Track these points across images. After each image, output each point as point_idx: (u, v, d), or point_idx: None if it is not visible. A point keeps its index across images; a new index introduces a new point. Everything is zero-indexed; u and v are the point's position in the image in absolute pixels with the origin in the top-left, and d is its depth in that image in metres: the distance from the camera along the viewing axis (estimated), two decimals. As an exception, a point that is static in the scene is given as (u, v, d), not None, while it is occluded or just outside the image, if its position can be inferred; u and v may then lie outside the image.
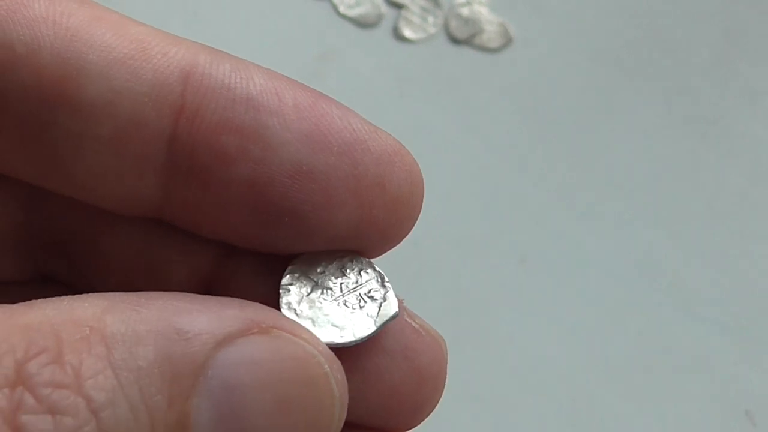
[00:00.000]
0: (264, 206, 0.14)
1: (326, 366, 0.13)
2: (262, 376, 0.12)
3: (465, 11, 0.41)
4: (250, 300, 0.13)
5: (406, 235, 0.16)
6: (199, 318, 0.12)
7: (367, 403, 0.15)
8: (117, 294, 0.12)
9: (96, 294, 0.12)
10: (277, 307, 0.15)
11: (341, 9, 0.41)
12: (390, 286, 0.16)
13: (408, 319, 0.17)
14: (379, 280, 0.16)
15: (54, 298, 0.12)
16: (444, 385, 0.17)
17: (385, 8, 0.41)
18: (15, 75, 0.14)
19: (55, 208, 0.16)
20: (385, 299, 0.16)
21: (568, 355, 0.35)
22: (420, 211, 0.15)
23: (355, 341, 0.15)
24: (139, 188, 0.15)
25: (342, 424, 0.13)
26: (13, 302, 0.13)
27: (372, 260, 0.16)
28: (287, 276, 0.15)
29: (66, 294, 0.13)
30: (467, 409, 0.35)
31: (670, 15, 0.40)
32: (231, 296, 0.13)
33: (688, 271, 0.36)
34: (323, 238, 0.15)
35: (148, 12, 0.39)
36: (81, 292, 0.13)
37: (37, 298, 0.13)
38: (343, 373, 0.13)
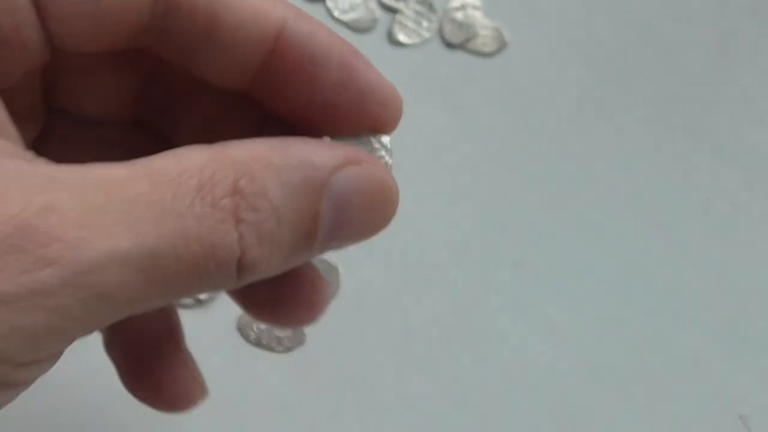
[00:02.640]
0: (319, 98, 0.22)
1: (393, 184, 0.22)
2: (362, 187, 0.21)
3: (459, 16, 0.41)
4: None
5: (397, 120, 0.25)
6: (323, 154, 0.20)
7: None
8: (269, 140, 0.20)
9: (262, 139, 0.20)
10: None
11: (335, 14, 0.41)
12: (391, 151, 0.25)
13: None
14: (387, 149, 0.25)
15: (237, 141, 0.19)
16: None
17: (379, 13, 0.41)
18: None
19: (168, 78, 0.23)
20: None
21: (561, 360, 0.35)
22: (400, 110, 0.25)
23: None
24: (240, 73, 0.21)
25: (397, 205, 0.22)
26: (124, 137, 0.24)
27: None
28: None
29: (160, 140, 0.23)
30: (460, 412, 0.35)
31: (664, 21, 0.41)
32: None
33: (681, 276, 0.36)
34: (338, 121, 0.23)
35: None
36: (167, 141, 0.24)
37: (138, 140, 0.24)
38: (398, 188, 0.22)
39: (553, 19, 0.41)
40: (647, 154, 0.38)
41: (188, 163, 0.18)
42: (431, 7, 0.41)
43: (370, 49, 0.40)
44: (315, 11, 0.41)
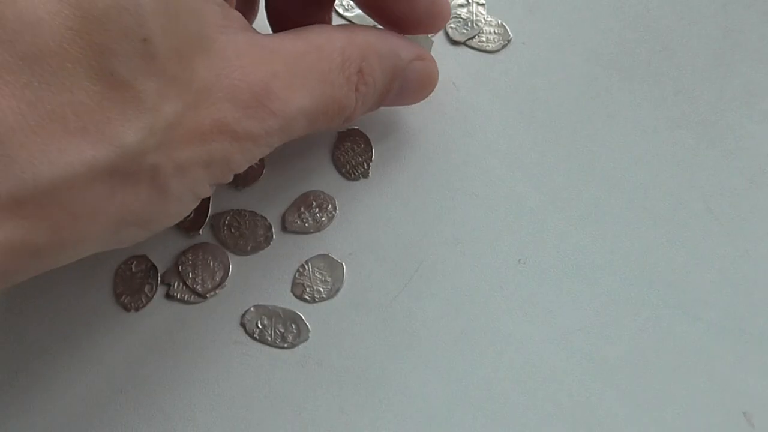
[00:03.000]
0: None
1: (437, 74, 0.35)
2: (420, 76, 0.33)
3: (463, 12, 0.41)
4: None
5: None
6: (406, 49, 0.31)
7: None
8: (375, 31, 0.30)
9: (372, 30, 0.30)
10: None
11: (340, 10, 0.41)
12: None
13: None
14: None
15: (357, 28, 0.30)
16: None
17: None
18: None
19: None
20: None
21: (566, 355, 0.35)
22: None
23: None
24: None
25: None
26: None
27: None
28: None
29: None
30: (465, 408, 0.35)
31: (668, 16, 0.40)
32: None
33: (686, 272, 0.36)
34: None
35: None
36: None
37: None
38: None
39: (557, 15, 0.41)
40: (652, 149, 0.38)
41: (334, 44, 0.28)
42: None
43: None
44: (319, 8, 0.41)
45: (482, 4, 0.41)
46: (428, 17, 0.31)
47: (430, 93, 0.34)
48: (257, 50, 0.26)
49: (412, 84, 0.32)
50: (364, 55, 0.29)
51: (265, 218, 0.38)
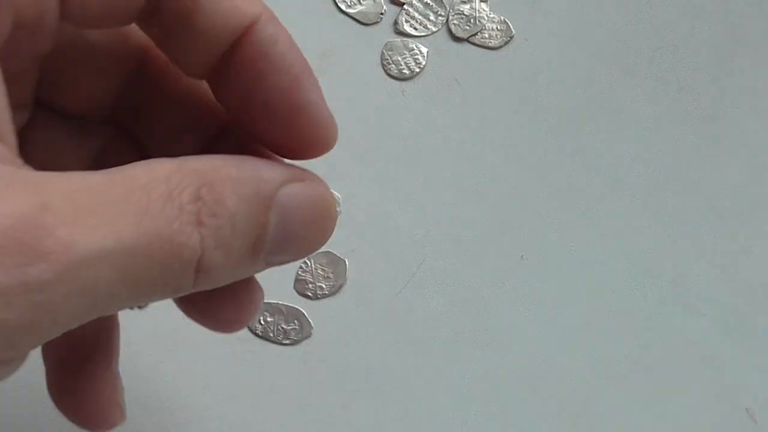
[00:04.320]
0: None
1: (332, 198, 0.23)
2: (305, 202, 0.22)
3: (466, 9, 0.41)
4: None
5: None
6: (272, 170, 0.22)
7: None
8: (225, 156, 0.21)
9: (221, 155, 0.21)
10: None
11: (342, 6, 0.41)
12: None
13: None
14: None
15: (196, 156, 0.21)
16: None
17: (386, 6, 0.41)
18: None
19: (146, 83, 0.25)
20: None
21: (568, 352, 0.35)
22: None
23: None
24: (207, 59, 0.23)
25: (336, 221, 0.23)
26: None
27: None
28: None
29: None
30: (467, 405, 0.35)
31: (670, 13, 0.40)
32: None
33: (688, 269, 0.36)
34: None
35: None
36: (139, 144, 0.26)
37: (112, 140, 0.25)
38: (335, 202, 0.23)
39: (559, 12, 0.41)
40: (654, 146, 0.38)
41: (157, 173, 0.20)
42: (439, 0, 0.41)
43: (377, 43, 0.41)
44: (322, 4, 0.41)
45: (485, 1, 0.41)
46: (308, 143, 0.23)
47: (326, 228, 0.23)
48: (22, 181, 0.18)
49: (296, 216, 0.22)
50: (205, 179, 0.20)
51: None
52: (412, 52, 0.40)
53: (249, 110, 0.23)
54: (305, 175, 0.22)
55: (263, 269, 0.22)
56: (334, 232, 0.23)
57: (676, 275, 0.36)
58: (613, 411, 0.35)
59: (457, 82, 0.39)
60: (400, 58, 0.40)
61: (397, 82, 0.40)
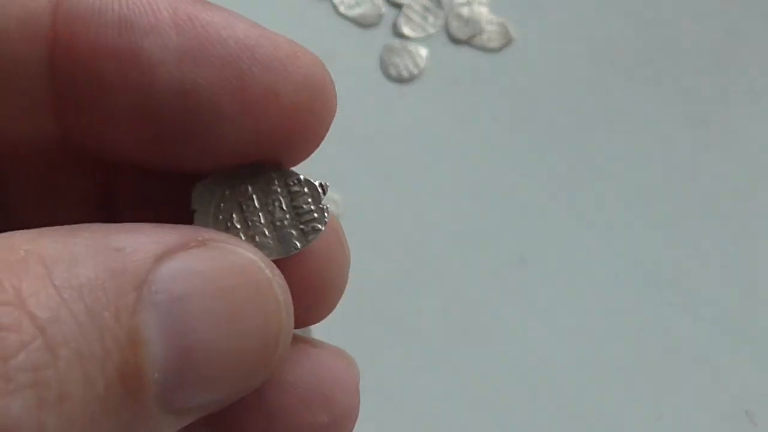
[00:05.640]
0: (154, 129, 0.14)
1: (267, 271, 0.13)
2: (205, 286, 0.12)
3: (465, 11, 0.41)
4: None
5: (317, 140, 0.15)
6: (134, 235, 0.12)
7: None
8: (50, 228, 0.12)
9: (30, 230, 0.12)
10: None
11: (341, 9, 0.41)
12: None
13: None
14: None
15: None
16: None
17: (385, 8, 0.41)
18: None
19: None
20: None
21: (568, 355, 0.35)
22: (330, 113, 0.15)
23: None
24: (33, 125, 0.14)
25: (291, 333, 0.13)
26: None
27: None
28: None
29: None
30: (467, 406, 0.35)
31: (670, 15, 0.40)
32: (145, 220, 0.13)
33: (688, 271, 0.36)
34: (223, 153, 0.14)
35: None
36: None
37: None
38: (284, 279, 0.13)
39: (558, 15, 0.41)
40: (654, 148, 0.38)
41: None
42: (438, 3, 0.41)
43: (376, 45, 0.41)
44: (321, 7, 0.41)
45: (484, 3, 0.41)
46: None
47: (265, 322, 0.13)
48: None
49: (188, 310, 0.12)
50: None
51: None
52: (411, 54, 0.40)
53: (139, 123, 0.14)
54: (205, 232, 0.13)
55: (178, 424, 0.12)
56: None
57: (676, 277, 0.36)
58: (613, 413, 0.35)
59: (456, 84, 0.39)
60: (399, 60, 0.40)
61: (396, 85, 0.40)
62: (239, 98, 0.13)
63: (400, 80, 0.40)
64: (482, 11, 0.41)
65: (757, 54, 0.39)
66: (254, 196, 0.15)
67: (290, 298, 0.13)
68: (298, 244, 0.15)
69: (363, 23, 0.41)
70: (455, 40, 0.40)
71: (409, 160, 0.38)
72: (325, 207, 0.15)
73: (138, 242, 0.12)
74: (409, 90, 0.39)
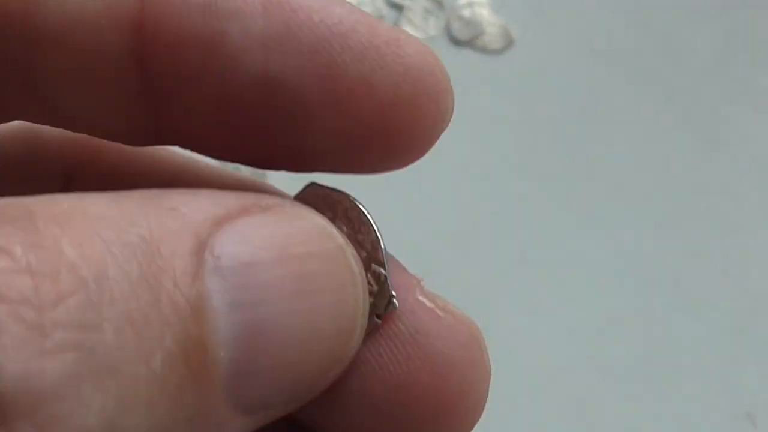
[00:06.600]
0: (236, 121, 0.12)
1: (339, 238, 0.11)
2: (275, 252, 0.10)
3: (466, 13, 0.41)
4: None
5: (424, 144, 0.13)
6: (191, 197, 0.10)
7: (372, 399, 0.12)
8: (96, 192, 0.10)
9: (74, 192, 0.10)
10: None
11: None
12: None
13: (421, 298, 0.13)
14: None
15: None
16: (481, 380, 0.13)
17: (386, 10, 0.41)
18: None
19: (53, 142, 0.15)
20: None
21: (569, 355, 0.35)
22: (442, 112, 0.12)
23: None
24: (119, 117, 0.13)
25: (367, 315, 0.11)
26: None
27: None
28: None
29: None
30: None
31: (671, 17, 0.41)
32: None
33: (689, 272, 0.36)
34: (308, 151, 0.13)
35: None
36: None
37: None
38: (356, 252, 0.11)
39: (559, 16, 0.41)
40: (654, 149, 0.38)
41: None
42: (439, 4, 0.41)
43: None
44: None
45: (485, 5, 0.41)
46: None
47: (351, 307, 0.12)
48: None
49: (261, 274, 0.11)
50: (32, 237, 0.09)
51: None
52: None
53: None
54: (269, 198, 0.12)
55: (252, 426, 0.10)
56: None
57: (677, 278, 0.36)
58: (613, 414, 0.34)
59: (457, 85, 0.39)
60: (400, 61, 0.40)
61: (397, 85, 0.40)
62: (328, 89, 0.12)
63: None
64: (483, 13, 0.41)
65: (758, 54, 0.40)
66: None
67: (365, 273, 0.12)
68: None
69: (364, 24, 0.41)
70: (456, 42, 0.40)
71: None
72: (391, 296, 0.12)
73: (196, 204, 0.10)
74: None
